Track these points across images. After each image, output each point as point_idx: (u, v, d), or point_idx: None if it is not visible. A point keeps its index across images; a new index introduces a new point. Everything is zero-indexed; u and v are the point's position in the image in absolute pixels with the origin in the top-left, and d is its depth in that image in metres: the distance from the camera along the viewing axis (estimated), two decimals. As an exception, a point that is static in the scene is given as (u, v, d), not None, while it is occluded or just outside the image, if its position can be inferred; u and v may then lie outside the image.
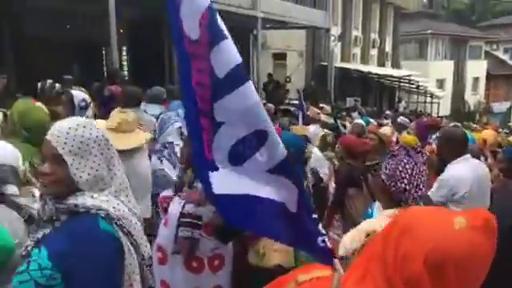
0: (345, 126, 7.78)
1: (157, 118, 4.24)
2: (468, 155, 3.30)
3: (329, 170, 4.42)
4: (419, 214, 1.02)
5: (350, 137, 4.91)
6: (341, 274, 1.25)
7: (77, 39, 9.03)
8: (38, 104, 2.75)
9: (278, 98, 12.30)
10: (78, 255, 1.34)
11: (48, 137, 1.42)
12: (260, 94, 11.32)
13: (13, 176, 2.03)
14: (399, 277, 0.94)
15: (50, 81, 5.52)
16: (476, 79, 30.85)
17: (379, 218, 1.84)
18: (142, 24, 10.08)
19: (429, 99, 22.90)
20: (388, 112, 14.23)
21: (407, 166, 1.82)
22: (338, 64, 17.22)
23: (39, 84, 5.35)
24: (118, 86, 5.55)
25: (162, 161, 3.77)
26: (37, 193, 1.93)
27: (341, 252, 1.76)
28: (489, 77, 31.10)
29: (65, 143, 1.40)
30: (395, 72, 20.58)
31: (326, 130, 5.98)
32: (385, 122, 10.16)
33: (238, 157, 1.63)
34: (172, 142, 3.87)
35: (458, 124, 9.20)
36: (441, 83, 26.98)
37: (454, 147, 3.31)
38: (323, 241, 1.49)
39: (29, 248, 1.42)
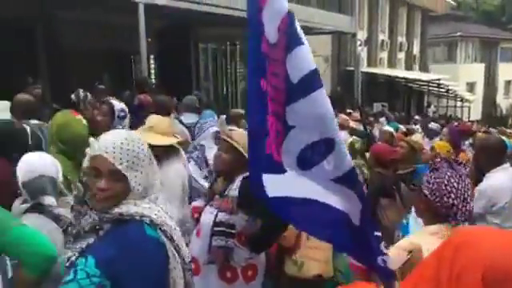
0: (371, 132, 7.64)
1: (194, 126, 4.37)
2: (507, 164, 3.18)
3: (357, 178, 4.35)
4: (474, 231, 0.99)
5: (379, 145, 4.80)
6: None
7: (107, 49, 9.23)
8: (79, 117, 2.75)
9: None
10: (126, 261, 1.36)
11: (103, 153, 1.42)
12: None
13: (51, 187, 2.07)
14: None
15: (81, 90, 5.66)
16: (508, 82, 30.03)
17: (421, 235, 1.78)
18: (169, 32, 10.22)
19: (459, 103, 22.39)
20: (417, 117, 13.96)
21: (452, 180, 1.73)
22: (365, 69, 17.03)
23: (73, 95, 5.48)
24: (147, 94, 5.62)
25: (189, 161, 3.78)
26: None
27: None
28: (522, 79, 30.27)
29: (120, 158, 1.42)
30: (424, 76, 20.18)
31: (354, 137, 5.90)
32: (414, 127, 9.95)
33: (306, 162, 1.65)
34: (203, 145, 3.92)
35: (492, 129, 8.92)
36: (471, 86, 26.34)
37: (492, 156, 3.20)
38: (384, 261, 1.48)
39: (73, 258, 1.43)
